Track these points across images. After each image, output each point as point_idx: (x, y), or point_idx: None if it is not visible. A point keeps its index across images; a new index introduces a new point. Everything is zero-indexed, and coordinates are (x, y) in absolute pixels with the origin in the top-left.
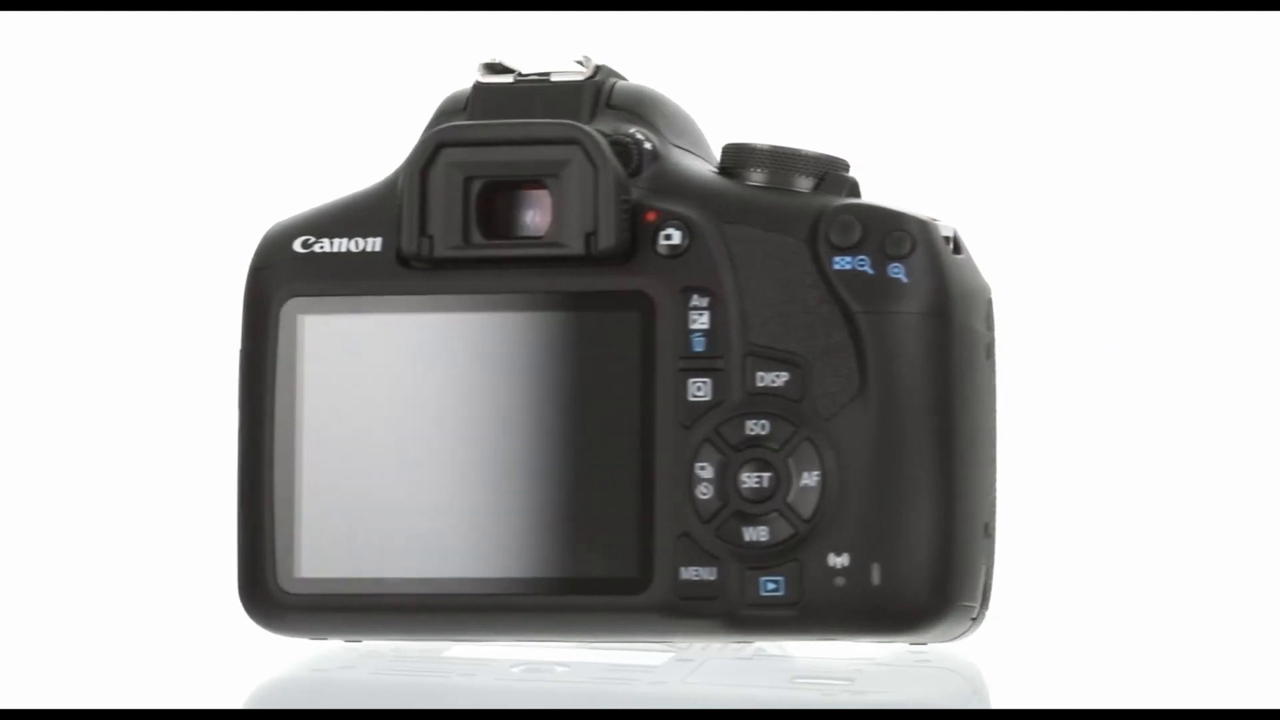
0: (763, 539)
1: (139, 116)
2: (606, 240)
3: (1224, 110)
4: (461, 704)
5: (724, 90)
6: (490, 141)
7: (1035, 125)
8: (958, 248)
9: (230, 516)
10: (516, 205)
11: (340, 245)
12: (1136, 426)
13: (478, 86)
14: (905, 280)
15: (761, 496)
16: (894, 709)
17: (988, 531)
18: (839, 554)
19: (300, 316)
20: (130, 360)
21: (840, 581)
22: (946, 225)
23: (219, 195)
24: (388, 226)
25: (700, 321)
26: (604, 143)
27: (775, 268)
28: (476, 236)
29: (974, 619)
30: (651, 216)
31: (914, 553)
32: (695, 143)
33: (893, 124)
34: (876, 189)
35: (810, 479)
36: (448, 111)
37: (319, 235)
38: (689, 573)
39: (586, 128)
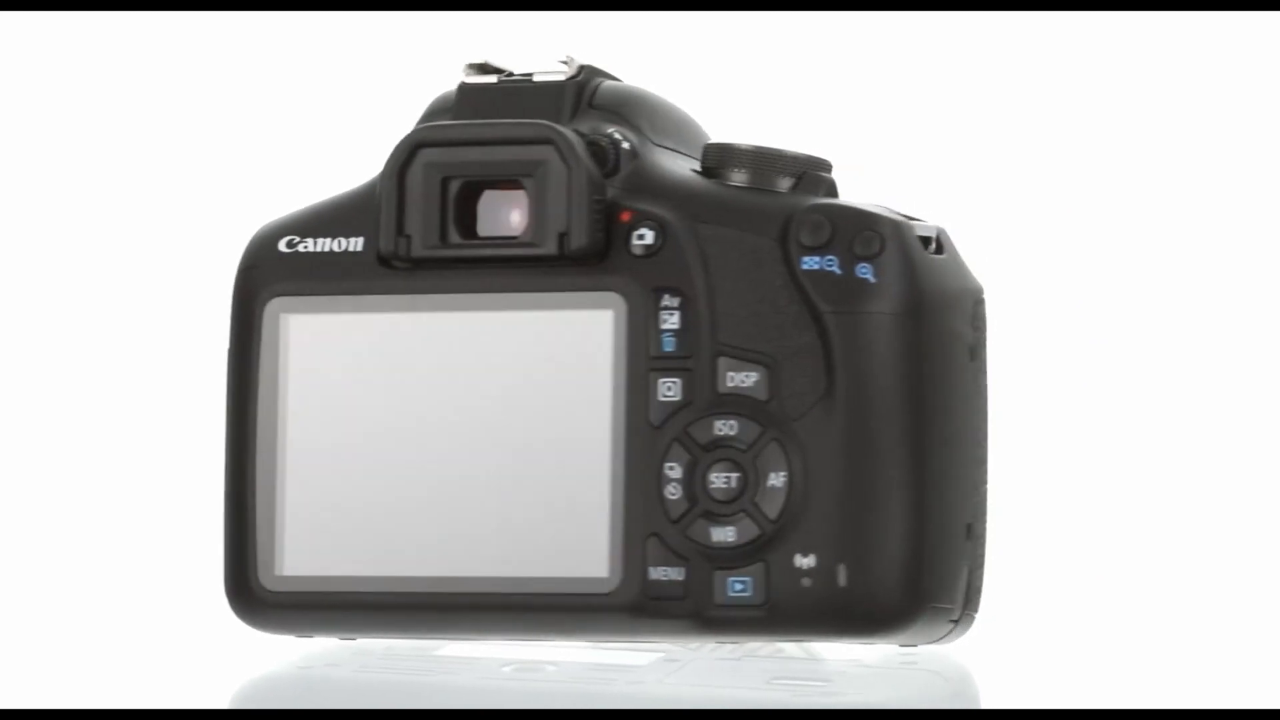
0: (730, 540)
1: (139, 116)
2: (579, 240)
3: (1223, 110)
4: (449, 704)
5: (724, 90)
6: (466, 141)
7: (1035, 125)
8: (940, 248)
9: (220, 514)
10: (494, 205)
11: (323, 245)
12: (1128, 428)
13: (462, 87)
14: (873, 280)
15: (730, 497)
16: (869, 709)
17: (971, 533)
18: (805, 555)
19: (284, 315)
20: (127, 360)
21: (807, 582)
22: (928, 225)
23: (215, 195)
24: (369, 227)
25: (671, 321)
26: (578, 142)
27: (748, 268)
28: (454, 236)
29: (954, 621)
30: (626, 216)
31: (883, 554)
32: (685, 143)
33: (893, 124)
34: (875, 189)
35: (777, 479)
36: (436, 111)
37: (303, 235)
38: (658, 573)
39: (560, 127)
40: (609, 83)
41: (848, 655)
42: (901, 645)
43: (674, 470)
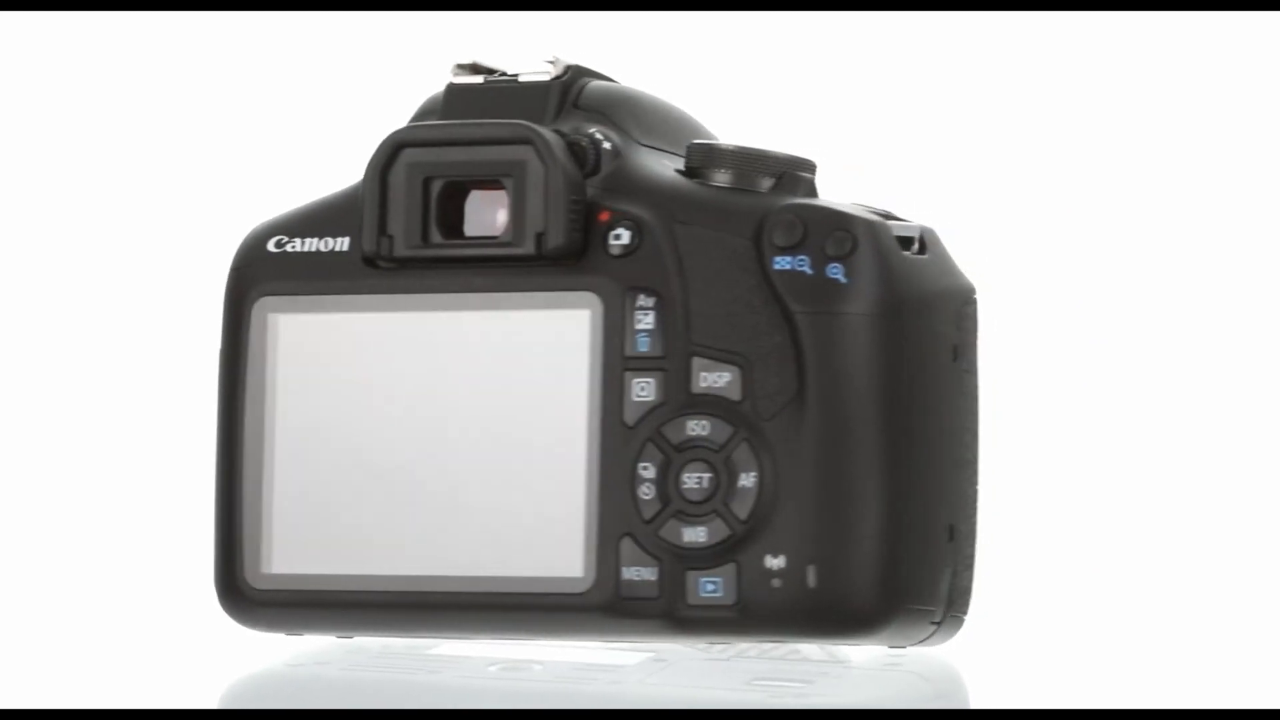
0: (701, 540)
1: (132, 117)
2: (556, 240)
3: (1219, 109)
4: (434, 703)
5: (723, 90)
6: (447, 142)
7: (1034, 125)
8: (923, 248)
9: (211, 512)
10: (481, 206)
11: (310, 245)
12: (1120, 429)
13: (449, 87)
14: (844, 281)
15: (702, 497)
16: (849, 709)
17: (954, 534)
18: (775, 556)
19: (271, 315)
20: (121, 360)
21: (777, 583)
22: (911, 225)
23: (212, 195)
24: (354, 227)
25: (645, 321)
26: (556, 143)
27: (723, 268)
28: (435, 236)
29: (936, 623)
30: (605, 216)
31: (855, 555)
32: (677, 143)
33: (892, 124)
34: (874, 189)
35: (748, 480)
36: (427, 112)
37: (291, 235)
38: (631, 573)
39: (539, 128)
40: (596, 83)
41: (842, 656)
42: (890, 647)
43: (647, 470)
